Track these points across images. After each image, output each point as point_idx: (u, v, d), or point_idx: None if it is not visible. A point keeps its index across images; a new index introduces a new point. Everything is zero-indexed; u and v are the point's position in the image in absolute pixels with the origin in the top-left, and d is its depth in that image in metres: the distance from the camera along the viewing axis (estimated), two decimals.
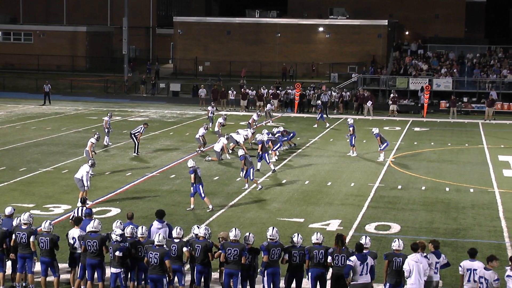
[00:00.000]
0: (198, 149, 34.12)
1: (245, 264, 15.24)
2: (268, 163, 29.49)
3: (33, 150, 34.06)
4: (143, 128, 33.51)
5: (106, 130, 35.63)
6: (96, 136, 29.31)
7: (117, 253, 15.17)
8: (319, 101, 48.35)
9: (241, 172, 27.20)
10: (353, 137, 34.09)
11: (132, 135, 33.27)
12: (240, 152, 27.02)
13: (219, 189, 26.48)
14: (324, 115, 46.33)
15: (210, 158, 32.26)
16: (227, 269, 15.26)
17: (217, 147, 32.01)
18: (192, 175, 23.04)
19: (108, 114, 36.54)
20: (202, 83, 61.62)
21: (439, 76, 57.76)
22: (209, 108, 43.48)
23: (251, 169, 26.34)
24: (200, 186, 23.08)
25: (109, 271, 15.54)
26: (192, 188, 23.34)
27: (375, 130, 33.07)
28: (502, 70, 57.87)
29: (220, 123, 36.99)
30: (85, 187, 23.31)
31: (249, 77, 68.70)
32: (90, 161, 24.16)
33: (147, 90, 64.45)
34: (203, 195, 23.14)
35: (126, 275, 15.52)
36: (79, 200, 19.46)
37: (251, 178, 26.43)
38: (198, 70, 75.19)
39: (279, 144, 33.07)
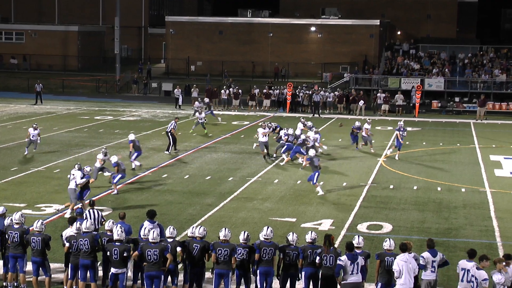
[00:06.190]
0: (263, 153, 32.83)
1: (241, 262, 15.23)
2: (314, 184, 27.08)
3: (25, 149, 33.92)
4: (174, 124, 33.99)
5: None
6: (103, 151, 26.38)
7: (125, 253, 15.14)
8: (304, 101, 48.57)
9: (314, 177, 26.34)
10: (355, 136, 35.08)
11: (168, 133, 33.72)
12: (311, 152, 27.23)
13: (211, 189, 26.46)
14: (316, 115, 46.36)
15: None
16: (217, 269, 15.23)
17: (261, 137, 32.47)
18: (115, 168, 25.20)
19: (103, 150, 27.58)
20: (195, 82, 61.51)
21: (431, 76, 57.85)
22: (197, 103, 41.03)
23: (316, 173, 26.05)
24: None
25: (101, 271, 15.52)
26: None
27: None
28: (494, 70, 57.99)
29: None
30: (93, 179, 24.63)
31: (241, 77, 68.65)
32: (76, 165, 22.78)
33: (139, 90, 64.40)
34: (115, 181, 25.22)
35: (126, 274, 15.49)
36: (69, 211, 19.95)
37: (313, 182, 26.10)
38: (190, 70, 75.15)
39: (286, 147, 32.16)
